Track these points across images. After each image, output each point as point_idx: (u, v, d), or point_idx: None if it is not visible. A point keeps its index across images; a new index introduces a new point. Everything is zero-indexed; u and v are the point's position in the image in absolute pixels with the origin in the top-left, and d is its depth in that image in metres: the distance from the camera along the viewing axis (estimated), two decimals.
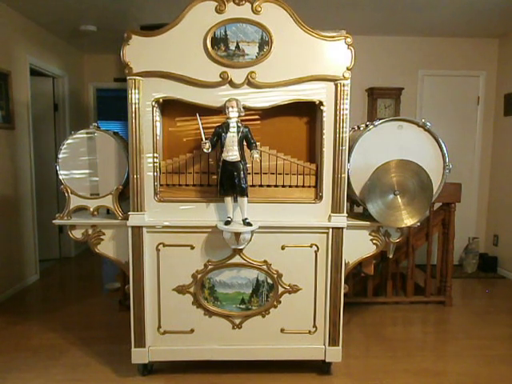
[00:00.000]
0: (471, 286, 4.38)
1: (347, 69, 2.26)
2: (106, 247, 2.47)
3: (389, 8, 3.89)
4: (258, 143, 2.35)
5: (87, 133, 2.40)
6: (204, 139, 2.15)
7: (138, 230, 2.34)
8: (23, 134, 4.25)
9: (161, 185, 2.39)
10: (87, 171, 2.43)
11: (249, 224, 2.23)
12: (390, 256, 2.61)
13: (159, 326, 2.44)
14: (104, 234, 2.45)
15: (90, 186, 2.43)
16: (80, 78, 5.62)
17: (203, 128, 2.17)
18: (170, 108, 2.43)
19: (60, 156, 2.41)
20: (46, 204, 4.79)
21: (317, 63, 2.26)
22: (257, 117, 2.47)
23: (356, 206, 2.91)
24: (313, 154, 2.49)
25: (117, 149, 2.42)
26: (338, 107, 2.28)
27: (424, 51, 4.74)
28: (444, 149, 2.42)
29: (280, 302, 2.44)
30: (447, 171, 2.44)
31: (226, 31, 2.21)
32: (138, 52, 2.23)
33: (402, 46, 4.75)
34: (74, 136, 2.41)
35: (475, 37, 4.69)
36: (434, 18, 4.12)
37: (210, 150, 2.18)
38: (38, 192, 4.50)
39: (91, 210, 2.42)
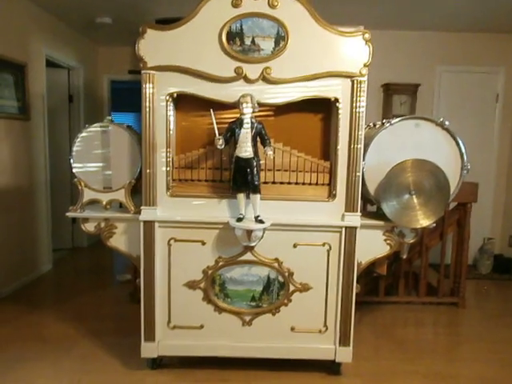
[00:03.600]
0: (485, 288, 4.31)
1: (364, 65, 2.21)
2: (118, 241, 2.47)
3: (406, 2, 3.81)
4: (272, 139, 2.32)
5: (101, 126, 2.40)
6: (217, 135, 2.13)
7: (149, 225, 2.34)
8: (39, 125, 4.28)
9: (173, 180, 2.38)
10: (101, 164, 2.43)
11: (261, 221, 2.21)
12: (404, 256, 2.58)
13: (169, 321, 2.44)
14: (116, 227, 2.46)
15: (103, 179, 2.44)
16: (95, 70, 5.64)
17: (217, 124, 2.15)
18: (183, 102, 2.41)
19: (74, 149, 2.41)
20: (59, 194, 4.83)
21: (333, 59, 2.22)
22: (271, 113, 2.44)
23: (370, 205, 2.87)
24: (327, 151, 2.46)
25: (130, 142, 2.41)
26: (354, 104, 2.24)
27: (442, 46, 4.64)
28: (462, 148, 2.37)
29: (291, 301, 2.43)
30: (465, 172, 2.39)
31: (241, 26, 2.17)
32: (153, 46, 2.21)
33: (420, 41, 4.65)
34: (88, 129, 2.41)
35: (495, 32, 4.56)
36: (453, 11, 4.02)
37: (223, 147, 2.16)
38: (52, 183, 4.54)
39: (104, 203, 2.43)
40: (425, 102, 4.67)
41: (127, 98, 6.51)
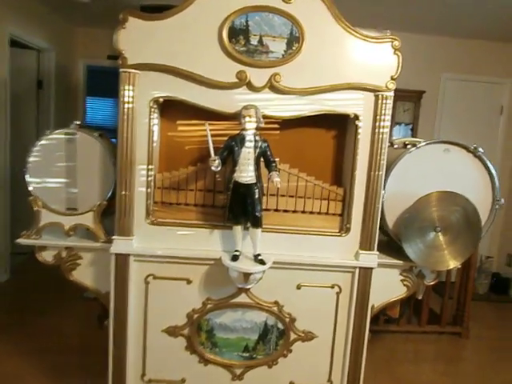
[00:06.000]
0: (484, 311, 4.05)
1: (392, 78, 1.84)
2: (83, 274, 2.03)
3: (414, 3, 3.46)
4: (277, 159, 1.93)
5: (66, 133, 1.94)
6: (213, 155, 1.72)
7: (123, 258, 1.91)
8: None
9: (155, 202, 1.96)
10: (64, 180, 1.97)
11: (261, 262, 1.82)
12: (419, 297, 2.25)
13: (143, 374, 2.02)
14: (81, 258, 2.02)
15: (67, 198, 1.98)
16: (69, 53, 5.07)
17: (213, 141, 1.73)
18: (170, 108, 1.98)
19: (30, 160, 1.95)
20: (21, 193, 4.27)
21: (355, 69, 1.83)
22: (275, 126, 2.04)
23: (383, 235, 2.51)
24: (339, 175, 2.08)
25: (102, 155, 1.96)
26: (376, 124, 1.87)
27: (449, 53, 4.36)
28: (496, 180, 2.04)
29: (291, 351, 2.05)
30: (497, 206, 2.06)
31: (247, 21, 1.76)
32: (136, 39, 1.77)
33: (426, 46, 4.35)
34: (50, 136, 1.95)
35: (504, 41, 4.30)
36: (464, 17, 3.73)
37: (219, 169, 1.75)
38: (13, 180, 3.99)
39: (66, 228, 1.98)
40: (428, 110, 4.40)
41: (104, 82, 5.90)
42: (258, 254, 1.83)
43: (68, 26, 4.97)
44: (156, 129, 1.93)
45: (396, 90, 4.61)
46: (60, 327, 3.15)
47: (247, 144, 1.74)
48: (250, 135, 1.75)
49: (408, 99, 4.35)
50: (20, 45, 4.14)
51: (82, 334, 3.04)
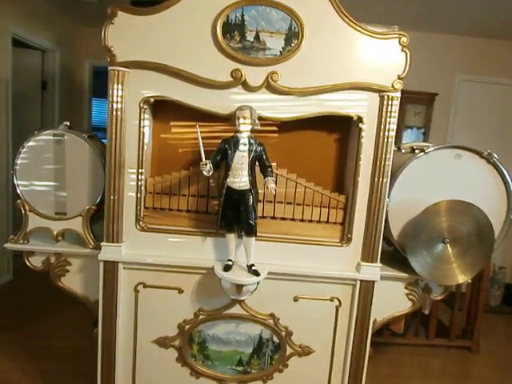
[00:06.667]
0: (496, 324, 3.86)
1: (398, 78, 1.71)
2: (72, 281, 1.96)
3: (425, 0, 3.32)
4: (274, 164, 1.82)
5: (54, 134, 1.86)
6: (204, 159, 1.61)
7: (111, 266, 1.82)
8: (0, 116, 3.69)
9: (146, 208, 1.87)
10: (52, 183, 1.89)
11: (255, 273, 1.71)
12: (426, 312, 2.11)
13: None
14: (70, 264, 1.94)
15: (55, 202, 1.90)
16: (74, 54, 5.00)
17: (203, 145, 1.63)
18: (163, 109, 1.88)
19: (18, 162, 1.87)
20: None
21: (359, 67, 1.71)
22: (273, 128, 1.93)
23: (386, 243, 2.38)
24: (341, 181, 1.96)
25: (92, 157, 1.88)
26: (381, 127, 1.74)
27: (464, 53, 4.17)
28: (511, 188, 1.89)
29: (287, 366, 1.94)
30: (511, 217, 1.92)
31: (242, 15, 1.65)
32: (125, 35, 1.68)
33: (439, 45, 4.17)
34: (38, 137, 1.86)
35: None
36: (479, 15, 3.54)
37: (210, 173, 1.64)
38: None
39: (54, 233, 1.90)
40: (441, 113, 4.21)
41: None
42: (252, 265, 1.72)
43: (73, 26, 4.89)
44: (147, 130, 1.83)
45: (407, 92, 4.43)
46: (56, 330, 3.08)
47: (241, 147, 1.63)
48: (244, 138, 1.64)
49: (419, 102, 4.17)
50: (24, 45, 4.08)
51: (77, 339, 2.96)
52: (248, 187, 1.64)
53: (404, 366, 3.00)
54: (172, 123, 1.95)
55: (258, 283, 1.75)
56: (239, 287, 1.69)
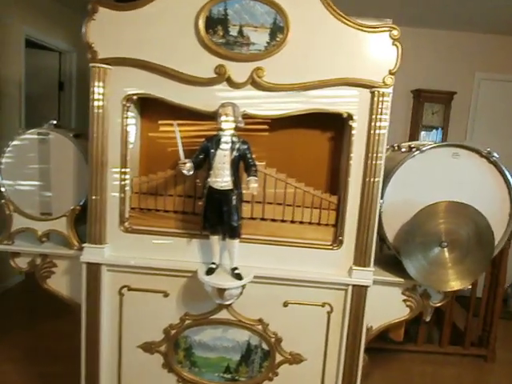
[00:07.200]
0: None
1: (390, 73, 1.63)
2: (59, 283, 1.92)
3: None
4: (263, 163, 1.76)
5: (39, 133, 1.83)
6: (182, 158, 1.56)
7: (95, 268, 1.78)
8: (12, 116, 3.70)
9: (132, 208, 1.82)
10: (37, 183, 1.86)
11: (238, 276, 1.64)
12: (427, 319, 2.00)
13: None
14: (56, 266, 1.90)
15: (41, 202, 1.87)
16: None
17: (183, 143, 1.57)
18: (151, 107, 1.84)
19: (3, 161, 1.84)
20: None
21: (348, 62, 1.63)
22: (262, 126, 1.86)
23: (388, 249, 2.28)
24: (335, 182, 1.88)
25: (77, 157, 1.84)
26: (372, 124, 1.66)
27: (483, 50, 4.03)
28: None
29: (277, 374, 1.86)
30: None
31: (226, 9, 1.59)
32: (106, 31, 1.64)
33: (458, 43, 4.04)
34: (22, 136, 1.84)
35: None
36: (500, 11, 3.39)
37: (191, 173, 1.59)
38: None
39: (39, 234, 1.86)
40: (460, 112, 4.09)
41: None
42: (235, 268, 1.65)
43: None
44: (132, 129, 1.79)
45: (424, 90, 4.33)
46: (56, 333, 3.06)
47: (223, 146, 1.57)
48: (226, 136, 1.58)
49: (437, 101, 4.04)
50: (42, 46, 4.12)
51: (76, 342, 2.93)
52: (231, 187, 1.58)
53: (415, 374, 2.89)
54: (160, 122, 1.91)
55: (243, 287, 1.68)
56: (221, 291, 1.62)
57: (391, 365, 2.93)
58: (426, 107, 4.10)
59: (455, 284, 1.75)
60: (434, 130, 4.16)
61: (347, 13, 1.60)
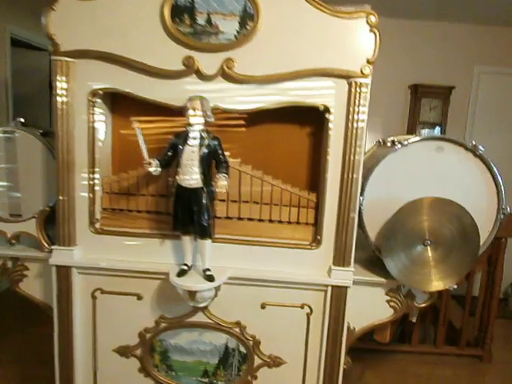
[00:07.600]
0: (511, 332, 3.61)
1: (368, 62, 1.54)
2: (31, 286, 1.86)
3: None
4: (238, 160, 1.68)
5: (4, 132, 1.76)
6: (146, 157, 1.48)
7: (65, 271, 1.71)
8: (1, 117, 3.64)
9: (104, 209, 1.75)
10: (5, 184, 1.79)
11: (210, 278, 1.57)
12: (413, 320, 1.93)
13: None
14: (28, 268, 1.84)
15: (9, 203, 1.81)
16: None
17: (145, 141, 1.50)
18: (122, 102, 1.75)
19: None
20: None
21: (323, 51, 1.54)
22: (238, 121, 1.77)
23: None
24: (315, 179, 1.79)
25: (45, 156, 1.77)
26: (350, 117, 1.57)
27: (482, 44, 3.89)
28: (500, 184, 1.69)
29: (256, 378, 1.80)
30: (502, 216, 1.72)
31: None
32: (68, 22, 1.56)
33: (456, 36, 3.90)
34: None
35: None
36: (500, 1, 3.27)
37: (158, 172, 1.52)
38: None
39: (8, 236, 1.80)
40: (459, 108, 3.96)
41: None
42: (207, 269, 1.58)
43: None
44: (102, 126, 1.71)
45: (421, 86, 4.19)
46: (42, 336, 3.01)
47: (190, 141, 1.49)
48: (195, 131, 1.50)
49: (435, 96, 3.92)
50: (31, 46, 4.03)
51: None
52: (200, 185, 1.50)
53: (409, 375, 2.81)
54: (132, 118, 1.82)
55: (216, 289, 1.61)
56: (192, 294, 1.55)
57: (385, 367, 2.87)
58: (424, 103, 3.98)
59: (439, 284, 1.68)
60: (437, 127, 4.03)
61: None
